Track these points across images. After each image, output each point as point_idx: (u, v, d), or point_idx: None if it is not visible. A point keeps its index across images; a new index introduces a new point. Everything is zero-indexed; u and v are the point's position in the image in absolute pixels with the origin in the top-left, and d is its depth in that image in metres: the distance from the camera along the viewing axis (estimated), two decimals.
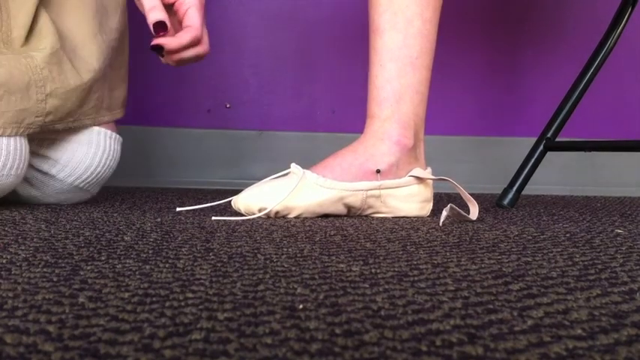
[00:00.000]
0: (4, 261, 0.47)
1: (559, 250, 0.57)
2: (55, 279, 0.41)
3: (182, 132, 1.46)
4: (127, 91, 0.96)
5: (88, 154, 0.88)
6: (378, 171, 0.79)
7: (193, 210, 0.85)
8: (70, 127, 0.85)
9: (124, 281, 0.41)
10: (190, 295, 0.38)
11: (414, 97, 0.81)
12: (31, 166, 0.87)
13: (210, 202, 0.85)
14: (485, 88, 1.53)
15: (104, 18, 0.88)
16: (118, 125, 0.95)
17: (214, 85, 1.45)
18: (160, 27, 0.78)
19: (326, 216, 0.80)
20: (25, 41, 0.81)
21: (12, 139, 0.78)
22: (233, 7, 1.38)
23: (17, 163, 0.79)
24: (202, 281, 0.41)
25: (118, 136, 0.93)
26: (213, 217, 0.77)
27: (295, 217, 0.78)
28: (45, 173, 0.88)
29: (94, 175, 0.89)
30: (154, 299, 0.36)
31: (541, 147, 1.07)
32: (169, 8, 0.82)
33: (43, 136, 0.85)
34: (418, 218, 0.82)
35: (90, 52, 0.85)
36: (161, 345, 0.28)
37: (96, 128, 0.89)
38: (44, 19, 0.81)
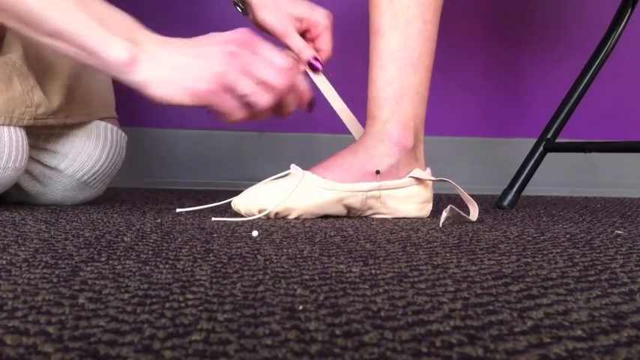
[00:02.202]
0: (4, 262, 0.47)
1: (559, 251, 0.57)
2: (55, 280, 0.41)
3: (182, 133, 1.46)
4: (115, 97, 0.97)
5: (97, 147, 0.89)
6: (377, 172, 0.79)
7: (193, 211, 0.85)
8: (64, 123, 0.85)
9: (124, 282, 0.41)
10: (190, 296, 0.38)
11: (414, 98, 0.81)
12: (38, 161, 0.87)
13: (210, 203, 0.85)
14: (485, 89, 1.53)
15: None
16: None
17: None
18: (317, 60, 0.85)
19: (326, 217, 0.80)
20: None
21: (6, 130, 0.78)
22: (232, 10, 1.38)
23: (15, 155, 0.79)
24: (202, 282, 0.41)
25: (123, 133, 0.93)
26: (213, 218, 0.77)
27: (295, 218, 0.78)
28: (53, 169, 0.88)
29: (101, 170, 0.90)
30: (154, 300, 0.36)
31: (541, 148, 1.07)
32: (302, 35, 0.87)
33: (49, 132, 0.86)
34: (418, 219, 0.82)
35: (59, 56, 0.85)
36: (161, 346, 0.28)
37: (102, 123, 0.90)
38: (9, 35, 0.83)
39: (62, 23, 0.66)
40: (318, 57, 0.86)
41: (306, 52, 0.85)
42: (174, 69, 0.67)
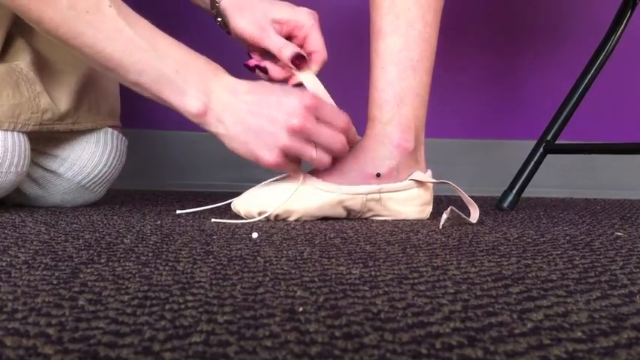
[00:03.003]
0: (4, 264, 0.47)
1: (559, 252, 0.57)
2: (54, 282, 0.41)
3: (182, 134, 1.46)
4: (120, 103, 0.96)
5: (96, 152, 0.89)
6: (378, 175, 0.79)
7: (193, 213, 0.85)
8: (71, 130, 0.85)
9: (124, 284, 0.41)
10: (190, 297, 0.38)
11: (415, 100, 0.81)
12: (38, 165, 0.87)
13: (210, 205, 0.85)
14: (485, 90, 1.53)
15: None
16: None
17: None
18: (300, 58, 0.78)
19: (326, 219, 0.80)
20: (1, 61, 0.82)
21: (9, 134, 0.78)
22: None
23: (17, 160, 0.79)
24: (202, 284, 0.41)
25: (123, 137, 0.93)
26: (213, 220, 0.77)
27: (295, 220, 0.78)
28: (53, 172, 0.88)
29: (100, 174, 0.90)
30: (154, 302, 0.36)
31: (541, 149, 1.07)
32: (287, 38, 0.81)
33: (50, 136, 0.86)
34: (418, 221, 0.82)
35: (70, 64, 0.86)
36: (161, 348, 0.28)
37: (103, 128, 0.90)
38: (19, 41, 0.83)
39: (141, 76, 0.70)
40: (302, 52, 0.78)
41: (287, 49, 0.78)
42: (244, 130, 0.72)
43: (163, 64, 0.70)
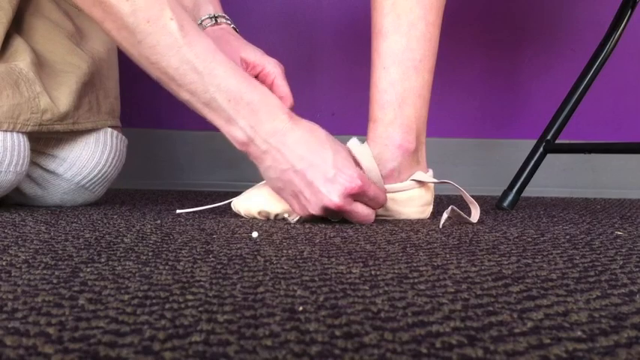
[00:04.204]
0: (4, 263, 0.47)
1: (559, 252, 0.57)
2: (54, 281, 0.41)
3: (182, 134, 1.46)
4: (120, 103, 0.96)
5: (95, 152, 0.89)
6: None
7: (193, 212, 0.85)
8: (71, 130, 0.85)
9: (124, 283, 0.41)
10: (190, 297, 0.38)
11: (417, 100, 0.81)
12: (37, 165, 0.87)
13: (210, 205, 0.85)
14: (485, 90, 1.53)
15: (83, 41, 0.89)
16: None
17: None
18: None
19: (326, 218, 0.80)
20: (0, 61, 0.82)
21: (9, 135, 0.78)
22: (233, 9, 1.38)
23: (16, 159, 0.79)
24: (202, 283, 0.41)
25: (123, 137, 0.94)
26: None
27: (295, 220, 0.78)
28: (52, 172, 0.88)
29: (100, 175, 0.90)
30: (154, 301, 0.36)
31: (541, 149, 1.07)
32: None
33: (49, 136, 0.86)
34: (418, 220, 0.81)
35: (69, 64, 0.86)
36: (161, 347, 0.28)
37: (103, 128, 0.90)
38: (18, 41, 0.83)
39: (192, 96, 0.70)
40: None
41: None
42: (281, 180, 0.72)
43: (216, 91, 0.69)
